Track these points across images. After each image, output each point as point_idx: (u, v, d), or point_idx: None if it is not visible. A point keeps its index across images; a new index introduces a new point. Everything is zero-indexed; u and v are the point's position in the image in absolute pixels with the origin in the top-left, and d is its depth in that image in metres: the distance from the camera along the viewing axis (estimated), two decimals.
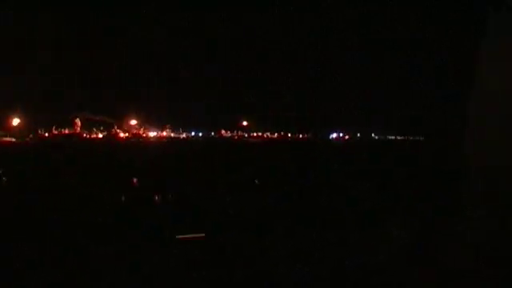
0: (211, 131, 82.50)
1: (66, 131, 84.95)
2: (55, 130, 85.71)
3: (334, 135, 75.65)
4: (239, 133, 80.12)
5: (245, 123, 77.56)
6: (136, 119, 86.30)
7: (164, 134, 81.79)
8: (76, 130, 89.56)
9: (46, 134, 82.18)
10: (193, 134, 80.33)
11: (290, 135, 76.86)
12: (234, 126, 78.62)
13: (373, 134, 74.76)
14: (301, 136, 77.35)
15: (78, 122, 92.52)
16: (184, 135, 79.63)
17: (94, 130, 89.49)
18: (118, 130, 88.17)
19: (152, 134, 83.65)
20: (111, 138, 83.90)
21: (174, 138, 79.68)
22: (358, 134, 75.38)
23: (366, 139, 72.12)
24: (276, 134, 77.55)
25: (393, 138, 73.27)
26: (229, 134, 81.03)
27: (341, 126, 72.99)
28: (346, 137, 75.05)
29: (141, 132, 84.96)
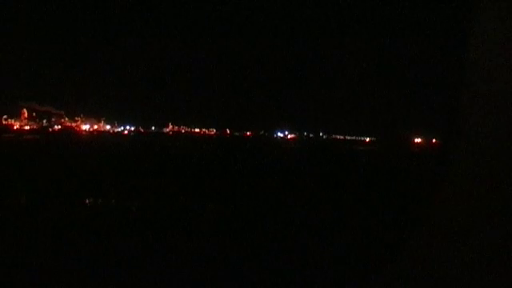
0: (152, 125, 76.09)
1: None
2: (4, 120, 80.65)
3: (280, 134, 69.85)
4: (180, 128, 74.01)
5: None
6: (76, 111, 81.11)
7: (95, 127, 75.23)
8: (22, 120, 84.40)
9: None
10: (121, 128, 73.02)
11: (229, 132, 70.89)
12: (181, 120, 73.56)
13: (321, 134, 69.00)
14: (248, 133, 71.38)
15: (24, 112, 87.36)
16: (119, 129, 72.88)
17: (38, 121, 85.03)
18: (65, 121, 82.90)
19: (85, 127, 76.92)
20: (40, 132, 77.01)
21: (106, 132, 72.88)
22: (305, 133, 69.48)
23: (310, 138, 66.45)
24: (215, 131, 71.51)
25: (341, 137, 67.27)
26: (176, 128, 75.61)
27: (291, 124, 68.77)
28: (292, 136, 69.00)
29: (73, 125, 78.40)
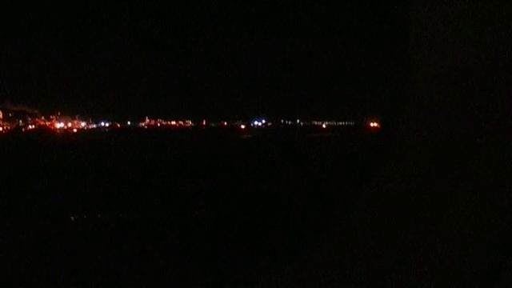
0: (128, 120, 74.13)
1: None
2: None
3: (256, 122, 68.32)
4: (156, 121, 72.17)
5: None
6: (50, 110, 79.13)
7: (69, 124, 73.19)
8: None
9: None
10: (95, 125, 71.15)
11: (205, 123, 69.29)
12: (158, 113, 71.62)
13: (298, 120, 67.51)
14: (224, 124, 69.89)
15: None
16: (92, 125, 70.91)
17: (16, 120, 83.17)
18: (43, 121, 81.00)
19: (59, 125, 74.95)
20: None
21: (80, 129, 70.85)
22: (282, 121, 68.03)
23: (286, 125, 65.08)
24: (190, 123, 69.85)
25: (319, 123, 65.90)
26: (152, 122, 73.81)
27: (268, 112, 67.04)
28: (269, 124, 67.57)
29: (47, 123, 76.33)
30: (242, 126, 66.47)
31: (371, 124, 57.09)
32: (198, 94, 69.24)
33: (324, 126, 63.39)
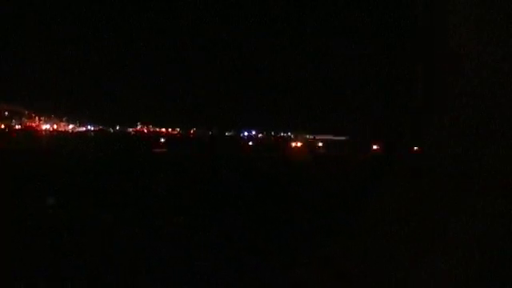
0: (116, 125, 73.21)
1: None
2: None
3: (246, 133, 67.85)
4: (143, 127, 71.45)
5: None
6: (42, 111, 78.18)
7: (55, 126, 72.20)
8: None
9: None
10: (83, 128, 70.39)
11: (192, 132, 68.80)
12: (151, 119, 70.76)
13: (289, 133, 67.14)
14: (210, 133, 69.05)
15: None
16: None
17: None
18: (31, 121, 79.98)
19: (45, 126, 74.04)
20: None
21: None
22: (272, 133, 67.77)
23: (271, 138, 64.76)
24: (178, 130, 69.29)
25: (311, 137, 65.63)
26: (145, 128, 73.12)
27: (259, 124, 66.14)
28: (259, 135, 67.23)
29: (33, 124, 75.37)
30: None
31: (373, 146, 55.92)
32: (193, 102, 68.28)
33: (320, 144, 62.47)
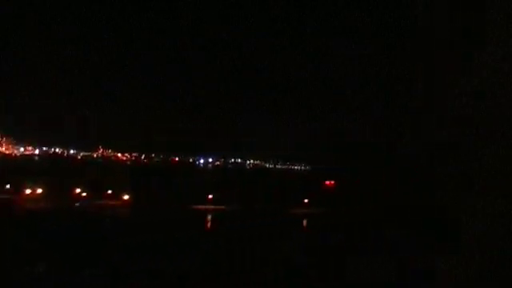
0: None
1: None
2: None
3: (202, 160, 66.89)
4: (101, 151, 70.44)
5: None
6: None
7: (3, 149, 69.32)
8: None
9: None
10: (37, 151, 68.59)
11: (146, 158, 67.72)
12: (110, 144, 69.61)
13: (248, 161, 66.52)
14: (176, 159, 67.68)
15: None
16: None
17: None
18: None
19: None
20: None
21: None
22: (232, 160, 67.27)
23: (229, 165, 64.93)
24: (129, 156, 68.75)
25: (271, 166, 65.20)
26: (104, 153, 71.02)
27: (218, 151, 64.24)
28: (217, 163, 66.49)
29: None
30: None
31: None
32: (152, 127, 65.58)
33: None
